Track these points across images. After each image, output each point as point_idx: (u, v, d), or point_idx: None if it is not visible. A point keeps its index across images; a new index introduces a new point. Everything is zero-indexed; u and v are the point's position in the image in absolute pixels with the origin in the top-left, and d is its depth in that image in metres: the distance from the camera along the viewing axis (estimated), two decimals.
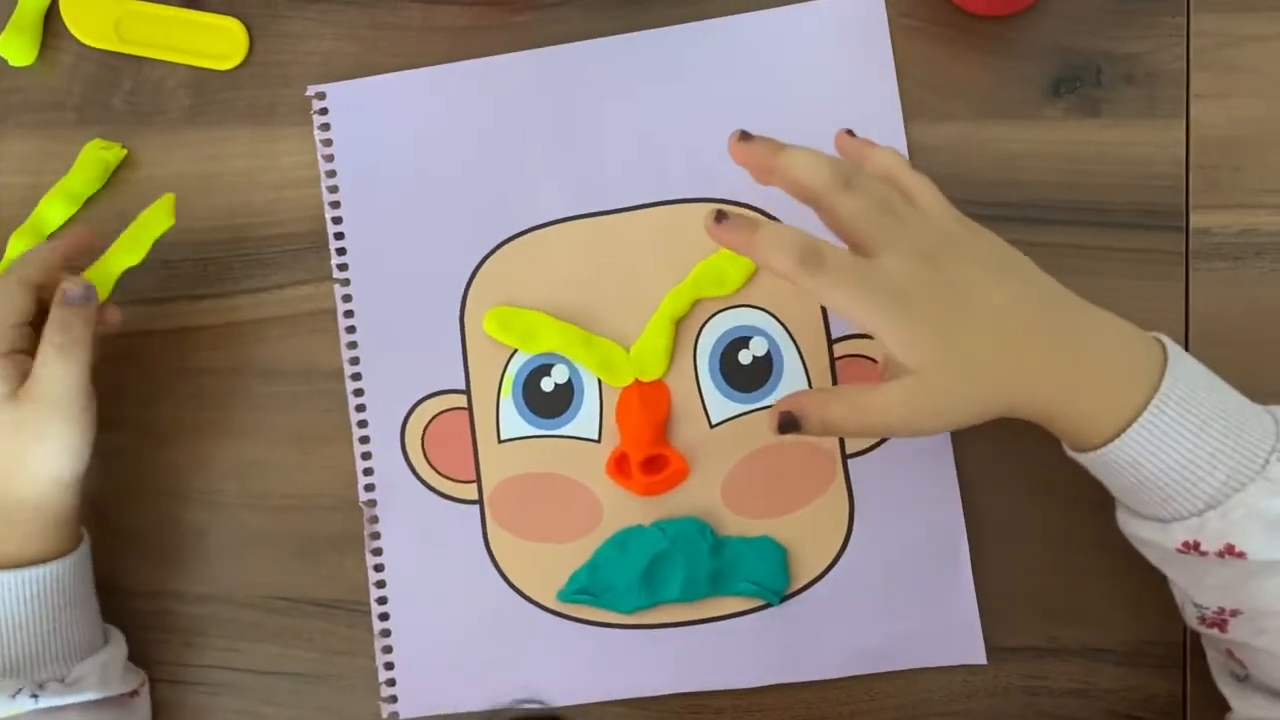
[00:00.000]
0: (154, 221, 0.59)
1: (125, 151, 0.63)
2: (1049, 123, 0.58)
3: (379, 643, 0.60)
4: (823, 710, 0.58)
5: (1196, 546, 0.45)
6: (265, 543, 0.61)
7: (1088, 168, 0.58)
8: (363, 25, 0.62)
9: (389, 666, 0.60)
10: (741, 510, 0.59)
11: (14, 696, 0.52)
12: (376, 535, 0.61)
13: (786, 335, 0.59)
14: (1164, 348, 0.46)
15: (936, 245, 0.46)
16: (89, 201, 0.63)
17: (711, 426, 0.59)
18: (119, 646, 0.58)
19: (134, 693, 0.58)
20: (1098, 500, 0.50)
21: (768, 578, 0.58)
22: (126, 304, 0.63)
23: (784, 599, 0.58)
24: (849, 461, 0.59)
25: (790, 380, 0.59)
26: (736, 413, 0.59)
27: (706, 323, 0.59)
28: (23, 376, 0.54)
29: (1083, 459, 0.48)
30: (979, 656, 0.57)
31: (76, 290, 0.55)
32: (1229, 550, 0.45)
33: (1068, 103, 0.58)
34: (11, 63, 0.64)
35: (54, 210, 0.63)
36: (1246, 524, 0.44)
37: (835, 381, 0.59)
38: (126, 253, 0.58)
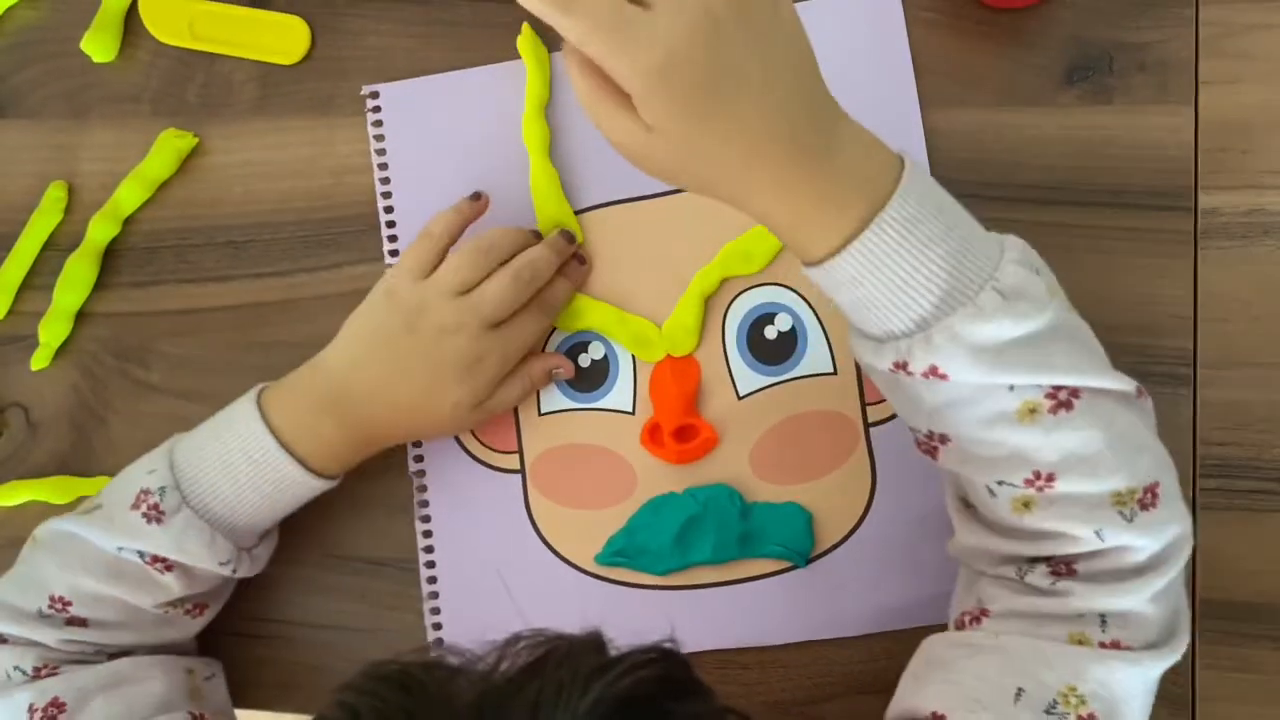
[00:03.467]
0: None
1: (197, 140, 0.68)
2: (1063, 109, 0.61)
3: (427, 603, 0.64)
4: (844, 666, 0.61)
5: (904, 366, 0.46)
6: (322, 504, 0.64)
7: (1100, 151, 0.61)
8: (417, 22, 0.67)
9: (437, 628, 0.64)
10: (769, 477, 0.62)
11: (223, 564, 0.58)
12: (425, 504, 0.64)
13: (810, 311, 0.62)
14: (903, 166, 0.46)
15: (728, 14, 0.43)
16: (162, 186, 0.68)
17: (740, 398, 0.62)
18: (271, 541, 0.63)
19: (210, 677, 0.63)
20: None
21: (794, 541, 0.61)
22: (194, 281, 0.67)
23: (809, 561, 0.61)
24: (871, 430, 0.61)
25: (813, 354, 0.62)
26: (763, 385, 0.62)
27: (734, 300, 0.63)
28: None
29: (811, 274, 0.47)
30: None
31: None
32: (933, 371, 0.45)
33: (1081, 90, 0.61)
34: (95, 59, 0.69)
35: (131, 194, 0.67)
36: (950, 348, 0.45)
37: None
38: None
